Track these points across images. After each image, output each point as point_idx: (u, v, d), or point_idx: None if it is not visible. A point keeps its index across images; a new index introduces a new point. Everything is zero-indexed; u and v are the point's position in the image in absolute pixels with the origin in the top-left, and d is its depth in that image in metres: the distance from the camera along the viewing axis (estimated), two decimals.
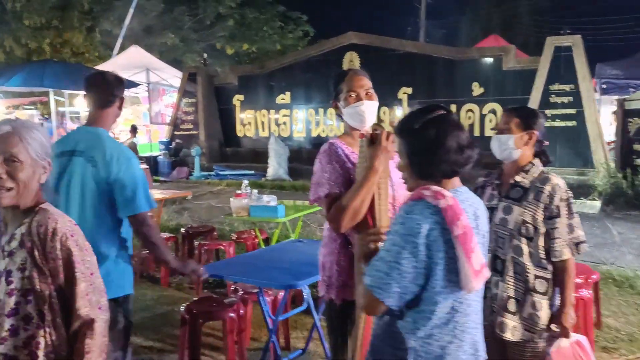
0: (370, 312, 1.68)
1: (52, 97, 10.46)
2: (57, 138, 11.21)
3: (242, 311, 3.55)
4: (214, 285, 5.38)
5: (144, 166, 11.66)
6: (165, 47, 24.69)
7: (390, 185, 2.23)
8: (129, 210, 2.53)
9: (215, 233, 6.54)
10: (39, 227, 1.63)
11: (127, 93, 14.73)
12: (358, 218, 2.15)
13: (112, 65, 13.18)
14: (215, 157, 13.20)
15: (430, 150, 1.66)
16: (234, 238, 5.93)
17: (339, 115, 2.44)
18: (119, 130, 14.60)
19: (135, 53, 13.98)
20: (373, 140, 2.14)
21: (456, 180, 1.73)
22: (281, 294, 3.62)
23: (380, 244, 2.08)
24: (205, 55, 13.38)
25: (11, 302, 1.61)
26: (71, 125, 13.56)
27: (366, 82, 2.36)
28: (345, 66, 11.67)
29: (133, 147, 12.23)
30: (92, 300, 1.64)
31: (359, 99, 2.32)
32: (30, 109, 17.40)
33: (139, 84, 12.33)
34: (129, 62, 13.52)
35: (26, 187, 1.66)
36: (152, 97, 12.83)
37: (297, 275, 3.12)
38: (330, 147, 2.32)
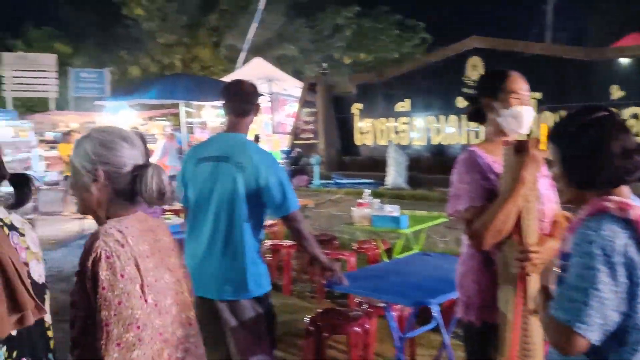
0: (568, 352, 1.41)
1: (182, 109, 11.08)
2: (186, 147, 11.85)
3: (367, 325, 3.43)
4: (336, 295, 5.32)
5: None
6: (285, 59, 25.47)
7: (538, 199, 2.02)
8: (283, 210, 2.68)
9: (336, 242, 6.51)
10: (85, 244, 1.50)
11: None
12: (503, 235, 1.95)
13: (237, 76, 13.70)
14: (334, 166, 13.28)
15: (590, 155, 1.47)
16: (355, 248, 5.86)
17: (476, 118, 2.27)
18: None
19: (258, 65, 14.49)
20: (519, 149, 1.94)
21: (625, 191, 1.49)
22: (408, 309, 3.46)
23: (531, 264, 1.88)
24: (324, 65, 13.55)
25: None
26: (201, 135, 14.30)
27: (527, 87, 2.19)
28: (468, 72, 11.25)
29: None
30: (110, 333, 1.39)
31: (520, 102, 2.15)
32: (162, 120, 18.62)
33: (262, 95, 12.73)
34: (252, 73, 13.99)
35: (80, 198, 1.59)
36: (274, 107, 13.19)
37: (428, 291, 2.94)
38: (469, 156, 2.13)
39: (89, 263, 1.42)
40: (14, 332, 1.47)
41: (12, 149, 8.35)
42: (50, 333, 1.63)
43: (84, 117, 17.94)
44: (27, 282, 1.46)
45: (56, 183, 12.65)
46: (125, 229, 1.50)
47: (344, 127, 13.51)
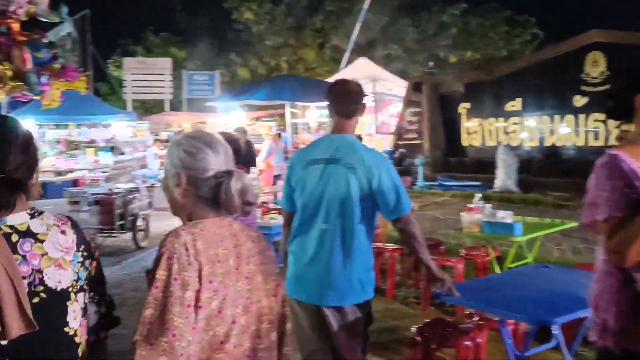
0: None
1: (287, 110, 11.25)
2: (292, 148, 12.02)
3: (478, 340, 3.21)
4: (442, 302, 5.10)
5: None
6: (389, 59, 25.26)
7: None
8: (397, 212, 2.60)
9: (442, 247, 6.26)
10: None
11: None
12: None
13: (342, 77, 13.67)
14: (439, 167, 12.91)
15: None
16: (462, 254, 5.58)
17: (621, 115, 2.00)
18: None
19: (363, 65, 14.42)
20: None
21: None
22: (523, 324, 3.20)
23: None
24: (431, 63, 13.20)
25: None
26: (307, 136, 14.45)
27: None
28: (587, 68, 10.48)
29: None
30: (149, 331, 1.38)
31: None
32: (268, 120, 19.10)
33: (367, 95, 12.64)
34: (357, 73, 13.93)
35: (168, 200, 1.64)
36: (377, 107, 13.05)
37: (550, 308, 2.68)
38: (611, 160, 1.87)
39: (154, 260, 1.47)
40: (4, 342, 1.36)
41: (131, 148, 8.84)
42: (77, 339, 1.52)
43: (195, 117, 18.81)
44: (12, 291, 1.34)
45: None
46: (199, 232, 1.49)
47: (450, 127, 13.09)
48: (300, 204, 2.74)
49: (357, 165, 2.59)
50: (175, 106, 23.01)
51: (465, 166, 12.61)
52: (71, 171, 14.64)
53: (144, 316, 1.39)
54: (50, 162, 16.18)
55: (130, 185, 8.81)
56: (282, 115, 21.88)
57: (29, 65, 9.85)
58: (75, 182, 13.49)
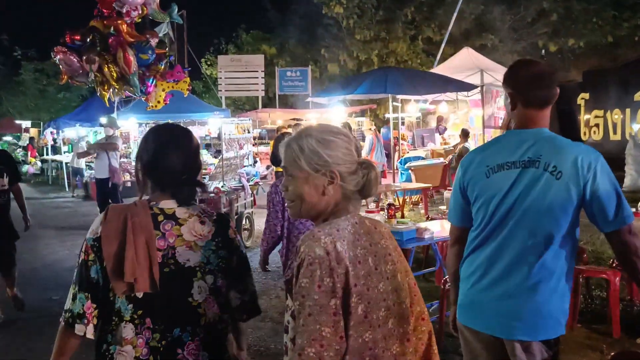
0: None
1: (390, 103, 10.70)
2: (393, 144, 11.45)
3: None
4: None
5: None
6: (484, 50, 24.05)
7: None
8: (618, 223, 2.10)
9: (584, 256, 5.51)
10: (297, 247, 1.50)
11: (454, 95, 14.43)
12: None
13: (446, 68, 13.05)
14: None
15: None
16: (615, 265, 4.84)
17: None
18: (448, 135, 14.42)
19: (468, 55, 13.60)
20: None
21: None
22: None
23: None
24: (543, 52, 12.17)
25: None
26: (404, 131, 13.84)
27: None
28: None
29: (465, 153, 11.81)
30: (295, 342, 1.41)
31: None
32: (358, 116, 18.64)
33: (476, 86, 11.85)
34: (462, 63, 13.19)
35: (303, 201, 1.55)
36: (485, 100, 12.22)
37: None
38: None
39: (295, 268, 1.43)
40: (139, 295, 1.75)
41: (234, 146, 8.63)
42: (200, 311, 1.81)
43: (288, 113, 18.65)
44: (146, 255, 1.74)
45: (264, 177, 13.17)
46: (336, 233, 1.44)
47: (566, 120, 12.04)
48: (481, 218, 2.25)
49: (563, 166, 2.09)
50: (265, 103, 23.05)
51: None
52: None
53: (292, 328, 1.41)
54: None
55: (234, 183, 8.61)
56: (374, 111, 21.46)
57: (133, 67, 9.90)
58: None
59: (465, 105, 15.57)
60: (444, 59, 17.13)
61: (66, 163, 18.39)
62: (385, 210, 4.74)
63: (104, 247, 1.76)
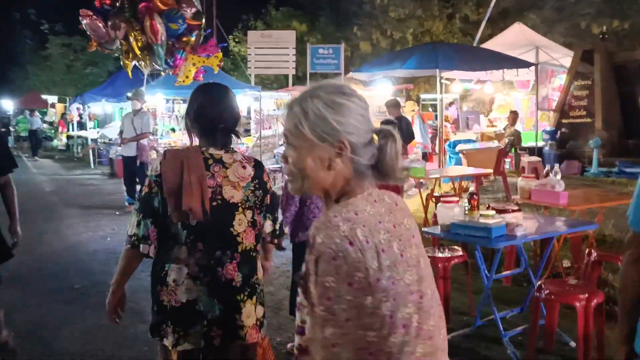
0: None
1: (438, 81, 9.83)
2: (440, 125, 10.61)
3: None
4: None
5: (534, 158, 10.25)
6: None
7: None
8: None
9: None
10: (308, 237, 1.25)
11: (500, 75, 13.48)
12: None
13: (496, 44, 12.12)
14: (613, 150, 10.94)
15: None
16: None
17: None
18: (493, 117, 13.50)
19: (520, 31, 12.60)
20: None
21: None
22: None
23: None
24: (604, 28, 11.15)
25: None
26: (450, 112, 12.95)
27: None
28: None
29: (517, 137, 10.93)
30: (338, 355, 1.16)
31: None
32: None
33: (533, 64, 10.92)
34: (513, 40, 12.22)
35: (306, 176, 1.30)
36: (540, 79, 11.28)
37: None
38: None
39: (311, 264, 1.19)
40: (193, 223, 2.14)
41: (272, 123, 7.91)
42: (239, 239, 2.22)
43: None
44: (200, 191, 2.11)
45: None
46: (355, 217, 1.19)
47: (629, 103, 11.04)
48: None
49: None
50: (293, 82, 22.25)
51: None
52: None
53: (325, 338, 1.15)
54: (178, 138, 15.96)
55: (272, 164, 7.91)
56: (412, 90, 20.53)
57: (161, 36, 9.15)
58: None
59: (511, 87, 14.61)
60: (482, 40, 16.11)
61: (92, 139, 17.90)
62: (467, 200, 3.97)
63: (164, 183, 2.11)
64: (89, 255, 6.72)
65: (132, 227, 2.17)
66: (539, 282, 3.77)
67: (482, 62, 9.97)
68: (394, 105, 8.60)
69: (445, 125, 11.14)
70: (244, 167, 2.23)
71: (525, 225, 3.85)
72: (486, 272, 4.11)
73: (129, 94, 9.88)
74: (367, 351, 1.14)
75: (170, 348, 2.19)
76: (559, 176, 5.21)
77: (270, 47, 20.17)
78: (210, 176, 2.16)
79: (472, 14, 24.68)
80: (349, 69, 19.08)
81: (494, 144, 9.18)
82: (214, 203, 2.16)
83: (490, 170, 7.90)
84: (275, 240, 2.46)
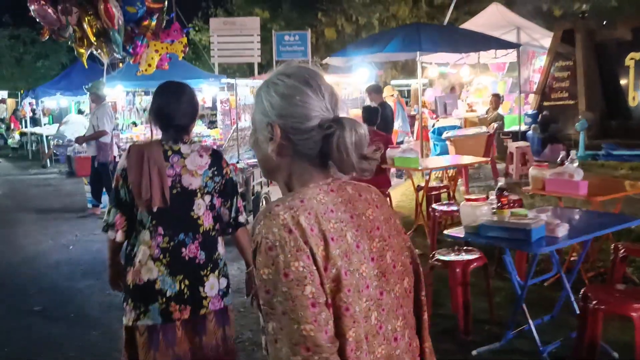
0: None
1: (419, 65, 9.29)
2: (420, 112, 10.11)
3: None
4: None
5: (522, 143, 9.87)
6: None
7: None
8: None
9: None
10: None
11: (476, 59, 13.07)
12: None
13: (474, 25, 11.69)
14: (596, 133, 10.66)
15: None
16: None
17: None
18: (471, 102, 13.11)
19: (497, 11, 12.18)
20: None
21: None
22: None
23: None
24: (584, 6, 10.82)
25: None
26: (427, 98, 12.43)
27: None
28: None
29: (500, 121, 10.54)
30: (278, 351, 1.08)
31: None
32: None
33: (519, 45, 10.50)
34: (491, 21, 11.80)
35: (259, 160, 1.32)
36: (522, 61, 10.89)
37: None
38: None
39: (252, 255, 1.15)
40: (154, 209, 2.37)
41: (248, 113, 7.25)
42: (200, 222, 2.45)
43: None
44: (159, 181, 2.36)
45: None
46: (300, 205, 1.13)
47: (612, 84, 10.77)
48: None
49: None
50: (257, 71, 21.49)
51: (632, 131, 10.29)
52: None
53: (269, 333, 1.10)
54: (141, 132, 15.08)
55: (249, 158, 7.25)
56: (380, 76, 20.01)
57: (117, 21, 8.29)
58: None
59: (485, 69, 14.24)
60: (450, 23, 15.67)
61: (47, 136, 16.79)
62: (496, 198, 3.44)
63: (129, 175, 2.39)
64: (51, 269, 5.97)
65: (105, 214, 2.50)
66: (584, 289, 3.27)
67: (466, 43, 9.51)
68: (375, 91, 8.02)
69: (422, 112, 10.65)
70: (200, 156, 2.47)
71: (563, 224, 3.35)
72: (518, 279, 3.60)
73: (86, 87, 9.04)
74: (304, 346, 1.05)
75: (130, 324, 2.41)
76: (576, 163, 4.75)
77: (234, 34, 19.37)
78: (169, 166, 2.41)
79: None
80: (316, 56, 18.43)
81: (482, 129, 8.75)
82: (174, 191, 2.41)
83: (487, 159, 7.46)
84: (229, 230, 2.58)
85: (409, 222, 7.24)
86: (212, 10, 26.89)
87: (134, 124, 15.62)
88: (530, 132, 10.78)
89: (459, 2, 20.59)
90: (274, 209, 1.13)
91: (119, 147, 14.37)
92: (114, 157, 8.39)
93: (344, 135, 1.16)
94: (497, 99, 10.79)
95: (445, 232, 3.76)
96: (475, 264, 3.99)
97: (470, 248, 4.19)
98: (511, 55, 11.54)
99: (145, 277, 2.37)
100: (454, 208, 5.60)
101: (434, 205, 5.98)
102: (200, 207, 2.43)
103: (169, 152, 2.42)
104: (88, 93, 9.05)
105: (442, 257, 4.05)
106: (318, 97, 1.20)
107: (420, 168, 6.27)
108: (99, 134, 8.29)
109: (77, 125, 13.90)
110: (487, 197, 3.58)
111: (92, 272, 5.71)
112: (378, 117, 6.62)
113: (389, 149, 6.56)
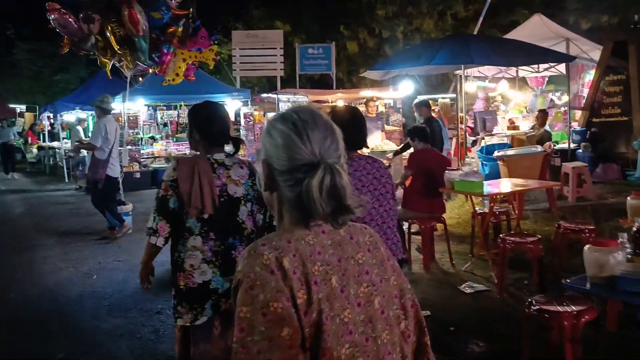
0: None
1: (461, 78, 8.66)
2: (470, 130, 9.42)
3: None
4: None
5: (579, 163, 9.16)
6: (513, 27, 21.93)
7: None
8: None
9: None
10: None
11: (515, 73, 12.40)
12: None
13: (517, 36, 11.05)
14: None
15: None
16: None
17: None
18: (509, 118, 12.40)
19: (541, 23, 11.54)
20: None
21: None
22: None
23: None
24: (637, 16, 10.16)
25: None
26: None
27: None
28: None
29: (548, 138, 9.84)
30: None
31: None
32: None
33: (575, 57, 9.86)
34: (536, 33, 11.15)
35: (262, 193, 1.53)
36: (571, 75, 10.22)
37: None
38: None
39: (232, 291, 1.17)
40: (205, 216, 2.64)
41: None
42: (244, 226, 2.74)
43: (312, 94, 16.58)
44: (210, 190, 2.62)
45: None
46: (286, 245, 1.14)
47: None
48: None
49: None
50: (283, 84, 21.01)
51: None
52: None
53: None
54: (162, 148, 14.57)
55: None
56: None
57: (142, 27, 7.70)
58: None
59: (524, 84, 13.56)
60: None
61: (65, 151, 16.33)
62: (632, 240, 2.77)
63: (181, 186, 2.62)
64: (74, 304, 5.35)
65: (150, 221, 2.70)
66: None
67: (520, 56, 8.86)
68: (424, 106, 7.42)
69: (460, 128, 9.99)
70: (241, 167, 2.78)
71: None
72: None
73: (92, 102, 8.45)
74: None
75: (188, 325, 2.64)
76: None
77: (257, 47, 18.91)
78: (216, 177, 2.69)
79: (462, 11, 23.93)
80: (338, 69, 17.82)
81: (538, 148, 8.06)
82: (222, 199, 2.69)
83: (558, 183, 6.74)
84: (265, 233, 2.60)
85: (463, 251, 6.56)
86: (232, 23, 26.55)
87: (153, 138, 15.13)
88: (579, 151, 10.06)
89: (494, 10, 20.02)
90: (259, 247, 1.15)
91: (139, 162, 13.86)
92: (105, 175, 7.75)
93: (310, 183, 1.14)
94: (544, 115, 10.12)
95: (564, 281, 3.08)
96: (586, 317, 3.30)
97: (576, 295, 3.51)
98: (554, 69, 10.86)
99: (199, 279, 2.64)
100: (533, 239, 4.92)
101: (502, 235, 5.30)
102: (243, 213, 2.74)
103: (215, 165, 2.72)
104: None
105: (544, 307, 3.37)
106: (303, 141, 1.19)
107: (485, 193, 5.59)
108: (89, 146, 7.93)
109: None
110: (619, 241, 2.90)
111: (118, 309, 5.10)
112: (428, 135, 6.36)
113: (446, 171, 5.93)
